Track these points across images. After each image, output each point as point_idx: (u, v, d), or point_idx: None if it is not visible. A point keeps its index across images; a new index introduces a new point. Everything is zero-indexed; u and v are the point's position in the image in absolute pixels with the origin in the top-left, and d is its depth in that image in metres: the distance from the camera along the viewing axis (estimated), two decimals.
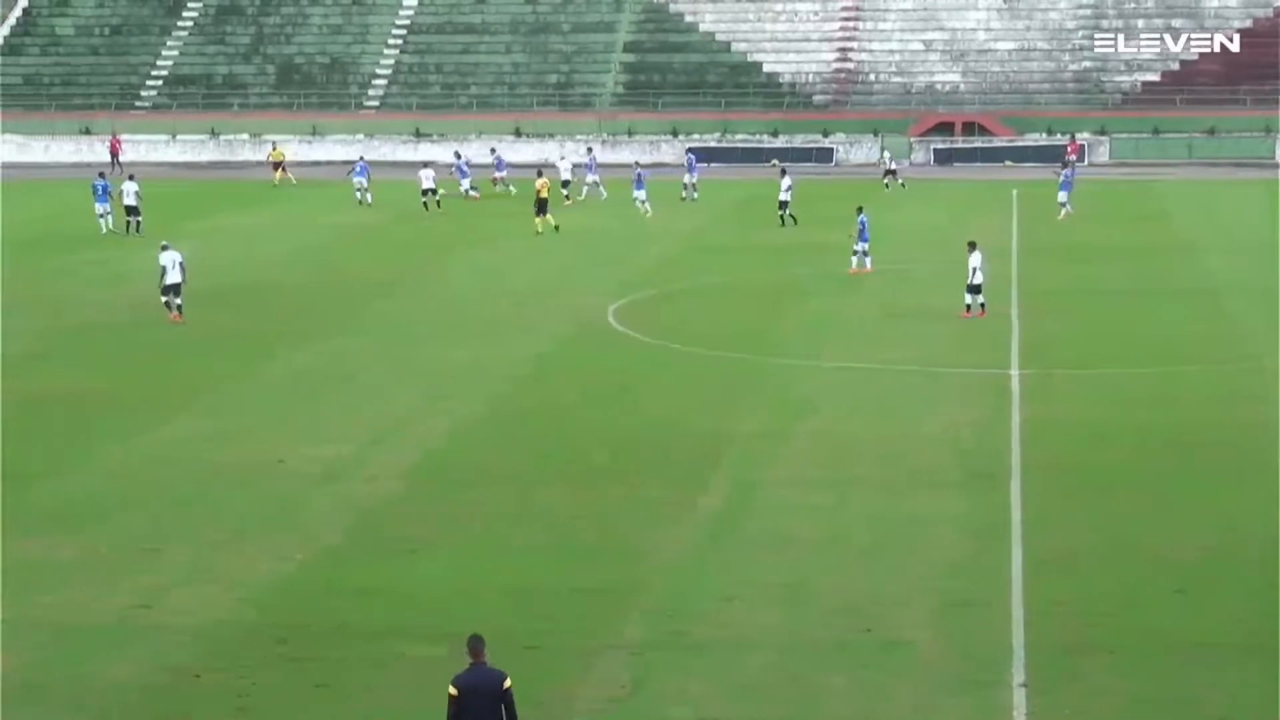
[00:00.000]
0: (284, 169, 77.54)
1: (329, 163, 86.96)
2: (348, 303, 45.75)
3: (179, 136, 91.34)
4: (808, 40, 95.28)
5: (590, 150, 78.54)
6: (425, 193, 66.27)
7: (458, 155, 76.10)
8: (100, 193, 60.28)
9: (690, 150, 76.96)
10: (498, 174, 73.99)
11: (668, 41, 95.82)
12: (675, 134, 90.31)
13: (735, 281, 49.39)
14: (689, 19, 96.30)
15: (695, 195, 69.59)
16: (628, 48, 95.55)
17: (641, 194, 64.18)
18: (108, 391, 34.94)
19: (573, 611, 22.12)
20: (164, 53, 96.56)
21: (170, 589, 22.97)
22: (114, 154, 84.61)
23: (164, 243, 43.86)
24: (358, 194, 68.39)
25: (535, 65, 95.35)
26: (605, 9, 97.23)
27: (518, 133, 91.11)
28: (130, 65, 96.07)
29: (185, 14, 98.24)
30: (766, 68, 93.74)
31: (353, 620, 21.86)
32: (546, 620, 21.75)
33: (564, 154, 79.18)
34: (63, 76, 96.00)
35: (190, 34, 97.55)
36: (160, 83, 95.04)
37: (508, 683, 15.99)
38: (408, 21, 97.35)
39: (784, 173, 62.59)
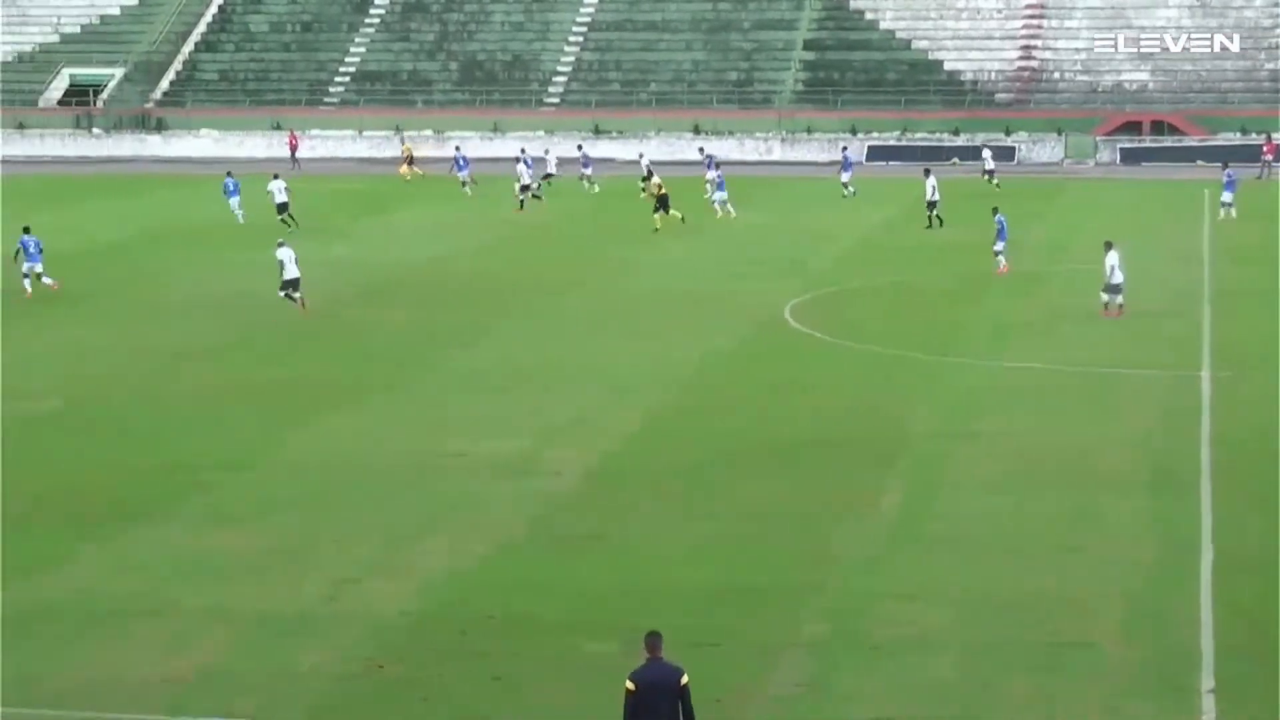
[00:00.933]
0: (411, 164, 78.41)
1: (510, 159, 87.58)
2: (524, 298, 46.03)
3: (365, 133, 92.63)
4: (990, 38, 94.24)
5: (580, 146, 78.83)
6: (523, 189, 65.97)
7: (457, 148, 77.86)
8: (231, 189, 61.05)
9: (845, 149, 76.40)
10: (584, 170, 74.06)
11: (848, 39, 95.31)
12: (854, 132, 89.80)
13: (911, 280, 48.97)
14: (869, 16, 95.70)
15: (853, 191, 69.07)
16: (808, 45, 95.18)
17: (723, 194, 63.12)
18: (293, 384, 35.47)
19: (751, 609, 22.04)
20: (351, 49, 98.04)
21: (355, 580, 23.24)
22: (292, 150, 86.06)
23: (280, 240, 44.76)
24: (465, 188, 69.78)
25: (715, 63, 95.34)
26: (786, 7, 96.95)
27: (696, 130, 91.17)
28: (319, 62, 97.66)
29: (373, 11, 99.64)
30: (948, 65, 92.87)
31: (532, 614, 21.97)
32: (724, 618, 21.68)
33: (643, 151, 78.34)
34: (255, 73, 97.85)
35: (377, 31, 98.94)
36: (348, 79, 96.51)
37: (685, 679, 15.95)
38: (589, 19, 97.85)
39: (928, 173, 61.75)
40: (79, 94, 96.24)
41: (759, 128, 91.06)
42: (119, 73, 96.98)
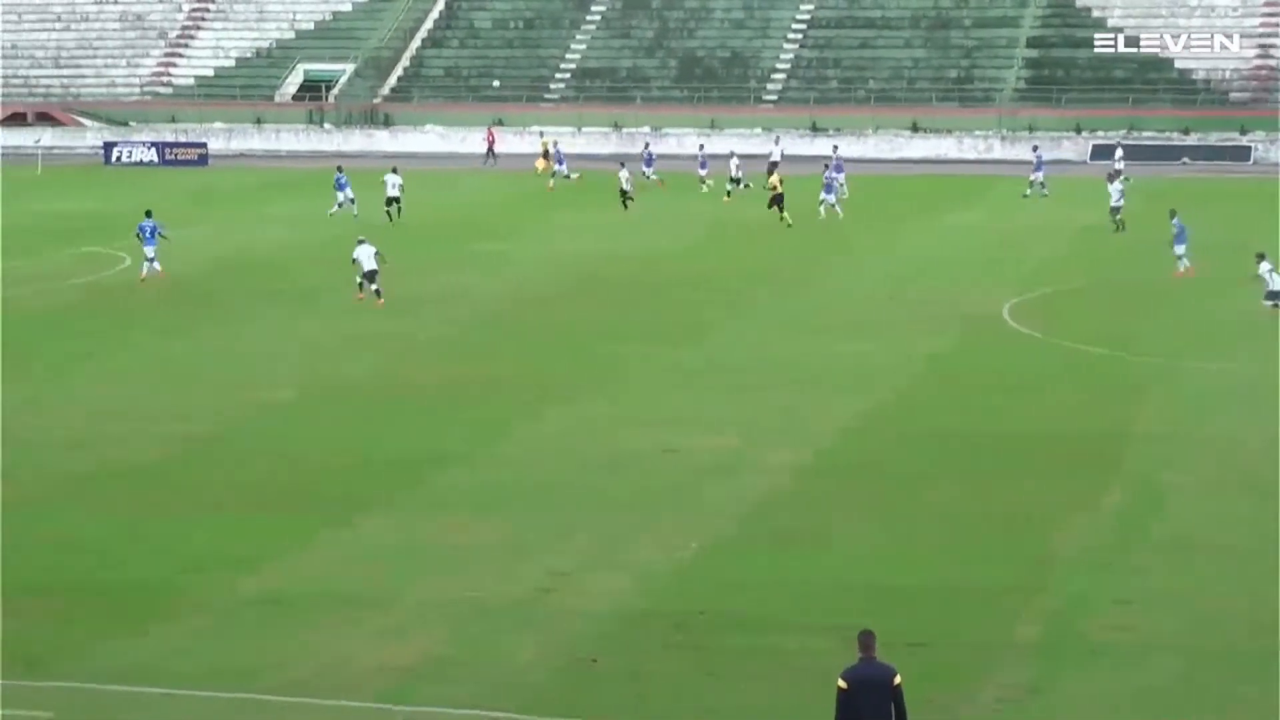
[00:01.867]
0: (548, 159, 78.74)
1: (727, 155, 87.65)
2: (734, 295, 46.14)
3: (584, 129, 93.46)
4: (1226, 36, 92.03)
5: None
6: (623, 193, 64.69)
7: (646, 145, 77.80)
8: (340, 184, 61.40)
9: (1036, 148, 74.85)
10: (702, 170, 72.86)
11: (1073, 36, 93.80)
12: (1079, 130, 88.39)
13: (1129, 280, 48.14)
14: (1096, 14, 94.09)
15: (1045, 191, 68.01)
16: (1031, 43, 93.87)
17: (831, 198, 61.63)
18: (511, 379, 35.95)
19: (966, 610, 21.90)
20: (573, 46, 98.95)
21: (571, 573, 23.51)
22: (489, 146, 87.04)
23: (360, 237, 45.64)
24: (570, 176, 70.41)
25: (935, 60, 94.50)
26: (1009, 4, 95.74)
27: (914, 128, 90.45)
28: (540, 58, 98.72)
29: (594, 8, 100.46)
30: (1179, 64, 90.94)
31: (744, 610, 22.05)
32: (938, 618, 21.58)
33: (734, 150, 76.55)
34: (479, 69, 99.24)
35: (598, 28, 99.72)
36: (568, 75, 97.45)
37: (898, 679, 15.90)
38: (808, 16, 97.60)
39: (1113, 178, 60.21)
40: (312, 89, 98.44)
41: (979, 126, 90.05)
42: (350, 69, 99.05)
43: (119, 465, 29.09)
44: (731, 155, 71.74)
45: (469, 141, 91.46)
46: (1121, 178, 61.31)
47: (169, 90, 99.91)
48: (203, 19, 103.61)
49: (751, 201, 65.16)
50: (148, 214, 48.76)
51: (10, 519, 25.91)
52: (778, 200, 59.89)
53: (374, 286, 44.45)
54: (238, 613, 22.05)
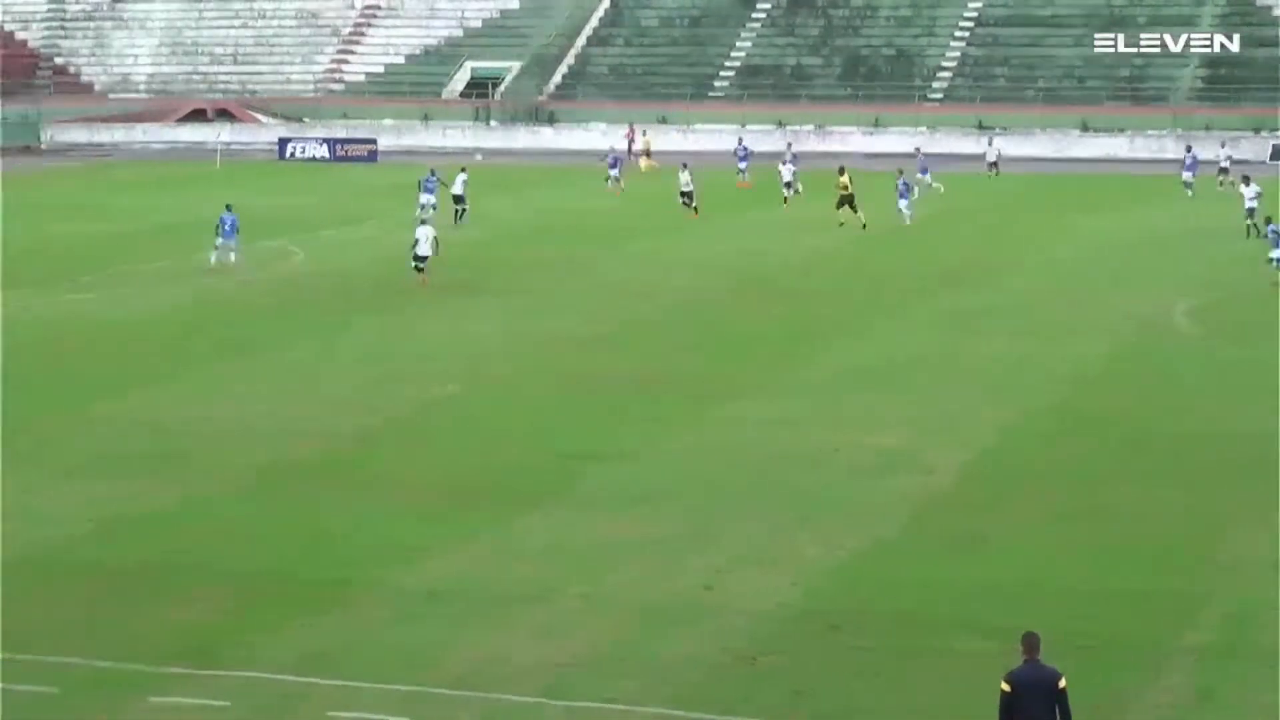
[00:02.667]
0: (649, 156, 78.30)
1: (890, 155, 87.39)
2: (895, 294, 45.89)
3: (747, 126, 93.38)
4: None
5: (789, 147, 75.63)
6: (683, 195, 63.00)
7: (740, 140, 75.84)
8: (426, 188, 61.17)
9: (1189, 148, 72.89)
10: (784, 170, 70.62)
11: (1254, 35, 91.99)
12: (1257, 130, 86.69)
13: None
14: (1276, 12, 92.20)
15: (1190, 194, 66.57)
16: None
17: (905, 203, 59.46)
18: (670, 377, 36.02)
19: (1135, 613, 21.62)
20: (738, 44, 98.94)
21: (731, 571, 23.51)
22: (629, 143, 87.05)
23: (423, 218, 47.36)
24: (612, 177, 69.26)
25: (1107, 59, 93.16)
26: (1185, 2, 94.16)
27: (1084, 127, 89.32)
28: (706, 56, 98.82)
29: (759, 6, 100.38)
30: None
31: (906, 611, 21.94)
32: (1106, 621, 21.32)
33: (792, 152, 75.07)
34: (644, 67, 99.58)
35: (763, 26, 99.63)
36: (732, 73, 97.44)
37: (1063, 682, 15.73)
38: (976, 13, 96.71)
39: (1248, 180, 58.64)
40: (479, 87, 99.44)
41: (1151, 125, 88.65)
42: (516, 66, 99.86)
43: (291, 457, 29.59)
44: (788, 145, 70.53)
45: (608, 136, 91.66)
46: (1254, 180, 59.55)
47: (341, 87, 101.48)
48: (374, 16, 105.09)
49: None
50: (228, 208, 50.51)
51: (188, 509, 26.52)
52: (848, 200, 58.23)
53: (419, 266, 46.21)
54: (404, 606, 22.29)
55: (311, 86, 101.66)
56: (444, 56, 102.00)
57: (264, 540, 25.13)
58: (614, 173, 70.57)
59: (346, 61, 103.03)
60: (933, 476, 28.18)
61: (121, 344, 39.85)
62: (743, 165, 72.84)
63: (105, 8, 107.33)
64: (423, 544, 24.74)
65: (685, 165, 63.56)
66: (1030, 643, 15.96)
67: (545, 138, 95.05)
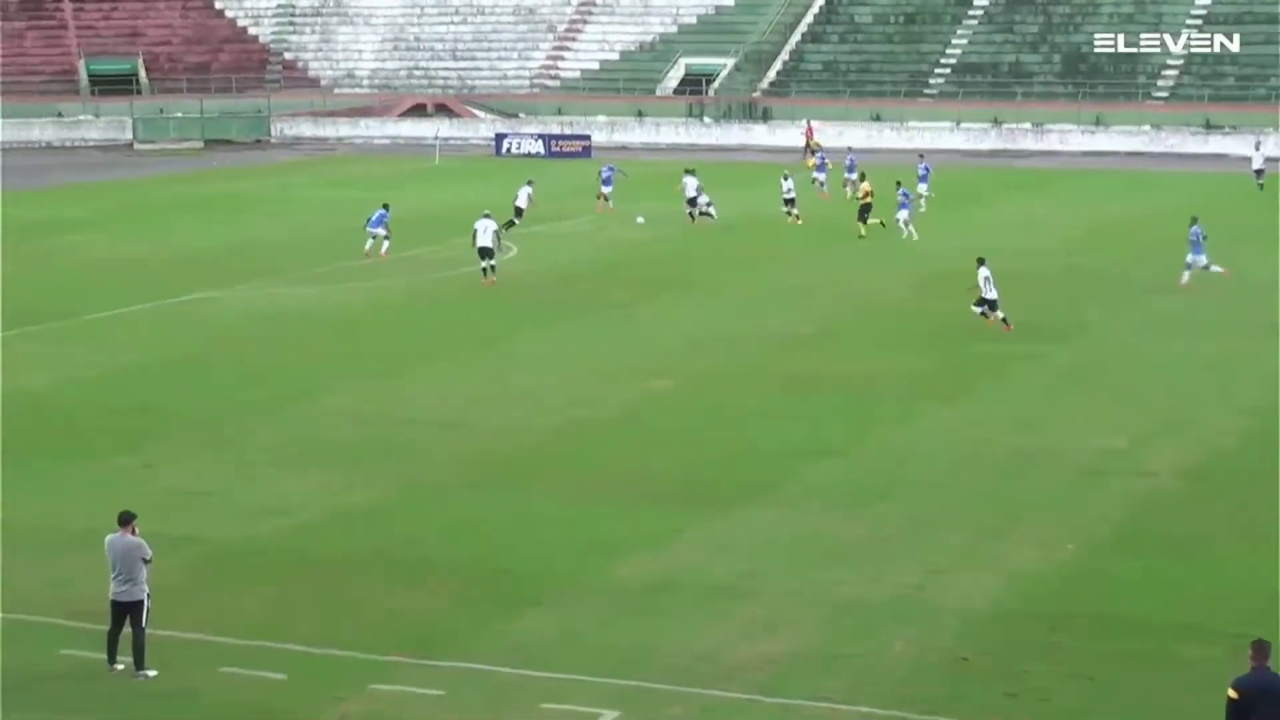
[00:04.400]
0: (813, 152, 77.16)
1: (1112, 153, 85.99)
2: (1116, 292, 45.15)
3: (962, 124, 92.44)
4: None
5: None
6: (689, 202, 60.38)
7: (849, 148, 70.98)
8: (690, 189, 60.10)
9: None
10: (849, 175, 67.31)
11: None
12: None
13: None
14: None
15: None
16: None
17: (904, 214, 55.86)
18: (883, 375, 35.82)
19: None
20: (953, 41, 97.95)
21: (943, 571, 23.40)
22: (807, 140, 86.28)
23: (485, 211, 47.53)
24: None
25: None
26: None
27: None
28: (920, 53, 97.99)
29: (976, 3, 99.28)
30: None
31: (1123, 614, 21.66)
32: None
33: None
34: (858, 64, 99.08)
35: (980, 23, 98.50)
36: (948, 71, 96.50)
37: None
38: (1204, 10, 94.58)
39: None
40: (693, 83, 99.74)
41: None
42: (730, 63, 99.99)
43: (507, 450, 30.02)
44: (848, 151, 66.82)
45: (846, 136, 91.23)
46: None
47: (556, 83, 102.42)
48: (590, 13, 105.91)
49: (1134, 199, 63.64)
50: (385, 206, 52.37)
51: (410, 501, 27.04)
52: (865, 210, 55.86)
53: (490, 263, 46.07)
54: (617, 600, 22.51)
55: (527, 82, 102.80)
56: (658, 53, 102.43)
57: (481, 533, 25.51)
58: (820, 175, 69.34)
59: (562, 58, 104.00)
60: (1152, 479, 27.74)
61: (349, 336, 40.72)
62: (851, 175, 67.42)
63: (332, 4, 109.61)
64: (635, 539, 24.94)
65: (786, 175, 61.85)
66: (1261, 649, 15.63)
67: (758, 134, 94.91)
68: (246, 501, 26.97)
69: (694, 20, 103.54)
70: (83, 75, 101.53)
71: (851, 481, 28.00)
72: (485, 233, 46.52)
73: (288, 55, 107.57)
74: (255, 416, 32.46)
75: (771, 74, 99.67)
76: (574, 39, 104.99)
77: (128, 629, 19.77)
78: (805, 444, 30.26)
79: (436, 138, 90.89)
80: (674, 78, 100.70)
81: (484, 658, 20.45)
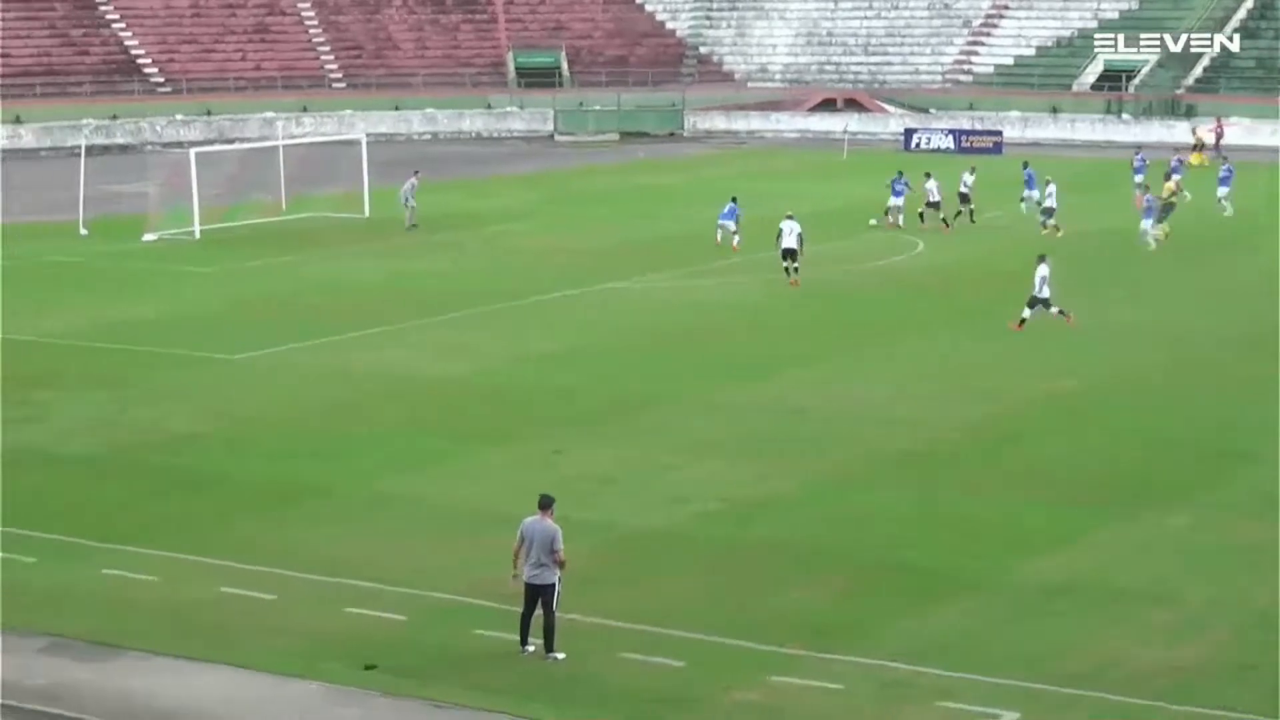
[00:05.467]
0: (1201, 150, 72.49)
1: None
2: None
3: None
4: None
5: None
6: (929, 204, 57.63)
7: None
8: (897, 189, 57.94)
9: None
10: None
11: None
12: None
13: None
14: None
15: None
16: None
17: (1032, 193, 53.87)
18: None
19: None
20: None
21: None
22: (1217, 137, 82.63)
23: (789, 213, 47.07)
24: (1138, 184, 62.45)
25: None
26: None
27: None
28: None
29: None
30: None
31: None
32: None
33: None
34: None
35: None
36: None
37: None
38: None
39: None
40: (1111, 79, 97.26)
41: None
42: (1152, 59, 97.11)
43: (908, 445, 29.81)
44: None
45: (1277, 135, 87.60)
46: None
47: (969, 78, 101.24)
48: (1007, 7, 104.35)
49: None
50: (734, 199, 52.88)
51: (812, 492, 27.11)
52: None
53: (793, 264, 45.93)
54: (1022, 599, 22.13)
55: (939, 77, 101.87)
56: (1076, 48, 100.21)
57: (882, 527, 25.37)
58: (1139, 178, 64.31)
59: (976, 53, 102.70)
60: None
61: (751, 328, 41.08)
62: (1138, 179, 63.94)
63: None
64: (1043, 539, 24.50)
65: (929, 175, 58.87)
66: None
67: (1179, 132, 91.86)
68: (652, 487, 27.41)
69: (1115, 15, 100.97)
70: (510, 68, 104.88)
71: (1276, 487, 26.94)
72: (790, 234, 46.35)
73: (703, 49, 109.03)
74: (665, 405, 32.97)
75: (1199, 70, 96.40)
76: (989, 34, 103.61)
77: (539, 612, 20.30)
78: (1231, 446, 29.37)
79: (845, 131, 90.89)
80: (1091, 73, 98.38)
81: (881, 652, 20.32)
